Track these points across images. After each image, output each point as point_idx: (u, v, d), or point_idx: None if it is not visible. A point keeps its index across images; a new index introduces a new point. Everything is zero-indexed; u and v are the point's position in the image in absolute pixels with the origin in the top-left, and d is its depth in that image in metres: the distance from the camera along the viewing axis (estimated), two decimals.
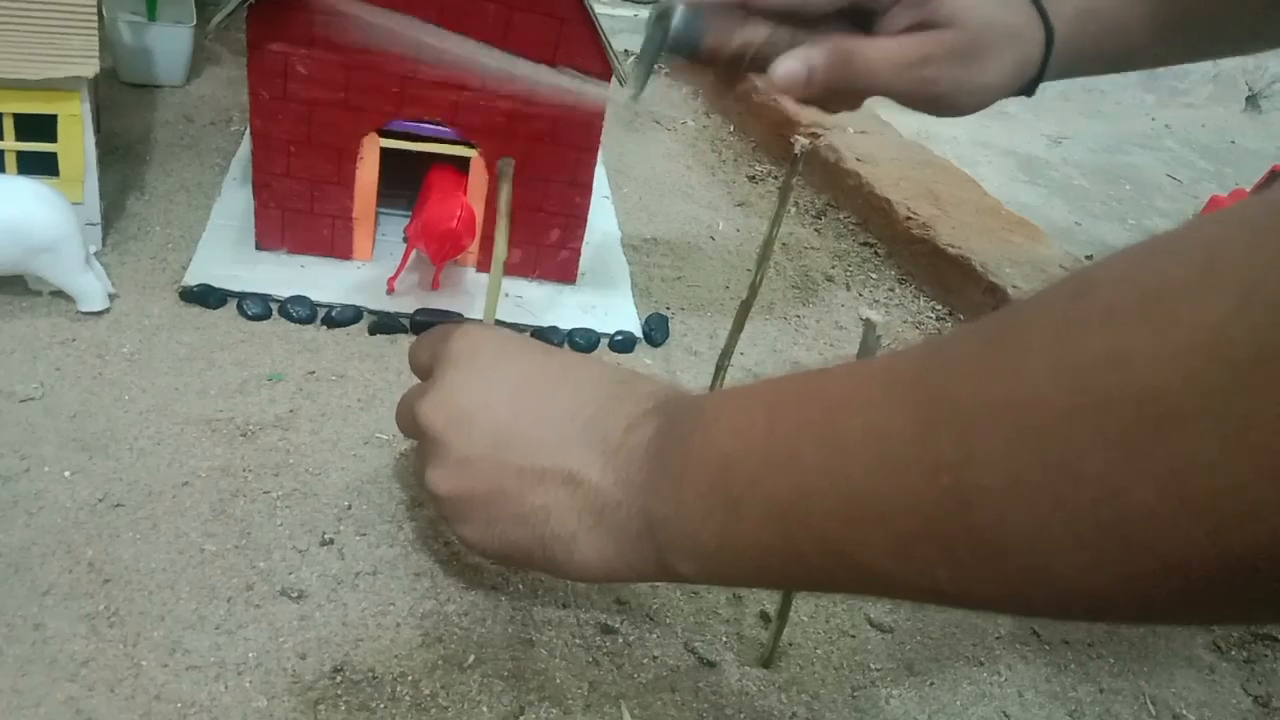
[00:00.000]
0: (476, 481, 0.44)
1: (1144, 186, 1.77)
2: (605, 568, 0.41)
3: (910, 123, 1.54)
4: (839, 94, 0.58)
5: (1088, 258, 1.23)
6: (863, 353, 0.50)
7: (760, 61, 0.56)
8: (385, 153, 0.84)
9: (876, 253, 1.13)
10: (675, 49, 0.54)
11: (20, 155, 0.78)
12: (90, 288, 0.75)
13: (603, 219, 1.05)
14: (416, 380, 0.54)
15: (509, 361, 0.46)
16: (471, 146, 0.85)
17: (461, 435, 0.44)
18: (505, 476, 0.43)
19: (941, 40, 0.56)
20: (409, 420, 0.50)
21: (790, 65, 0.55)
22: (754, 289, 0.66)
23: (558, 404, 0.43)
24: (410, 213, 0.90)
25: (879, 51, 0.55)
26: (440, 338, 0.50)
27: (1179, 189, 1.80)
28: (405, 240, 0.89)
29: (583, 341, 0.86)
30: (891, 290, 1.07)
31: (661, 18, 0.54)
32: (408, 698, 0.55)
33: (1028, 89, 0.61)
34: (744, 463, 0.34)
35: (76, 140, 0.78)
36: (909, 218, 1.11)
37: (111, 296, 0.78)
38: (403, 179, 0.90)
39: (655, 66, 0.56)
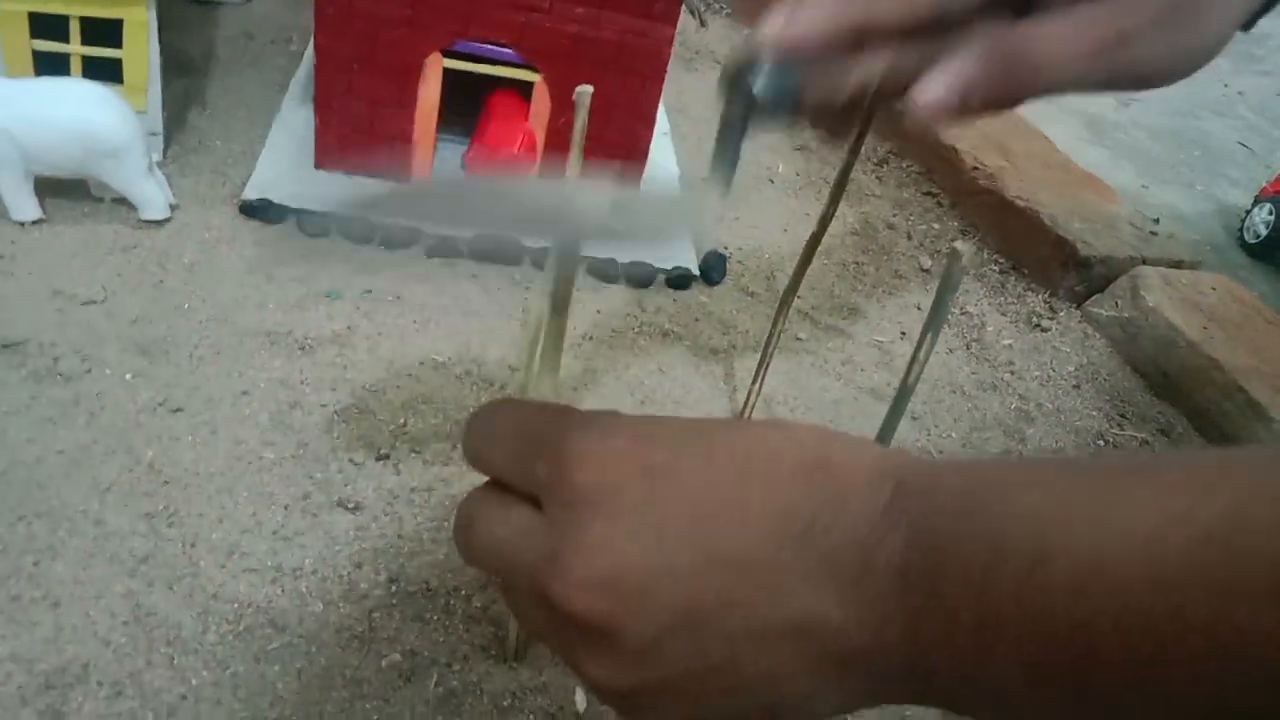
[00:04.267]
0: (669, 666, 0.32)
1: (1214, 153, 1.72)
2: (845, 713, 0.32)
3: None
4: (1004, 105, 0.41)
5: (1155, 221, 1.19)
6: (946, 284, 0.49)
7: (889, 93, 0.40)
8: (446, 75, 0.83)
9: (939, 203, 1.10)
10: (766, 116, 0.37)
11: (86, 61, 0.78)
12: (152, 196, 0.75)
13: (662, 155, 1.03)
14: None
15: (665, 486, 0.32)
16: (535, 71, 0.83)
17: (637, 617, 0.31)
18: (709, 650, 0.31)
19: (1142, 7, 0.39)
20: (526, 591, 0.33)
21: (938, 89, 0.38)
22: (825, 221, 0.64)
23: (752, 529, 0.31)
24: (469, 139, 0.88)
25: (1056, 41, 0.39)
26: (545, 452, 0.33)
27: (1250, 157, 1.74)
28: (463, 166, 0.88)
29: (639, 276, 0.85)
30: (954, 241, 1.05)
31: (738, 78, 0.37)
32: (460, 610, 0.55)
33: (1247, 25, 0.46)
34: (1091, 602, 0.26)
35: (141, 47, 0.78)
36: (975, 168, 1.08)
37: (172, 207, 0.78)
38: (461, 104, 0.88)
39: (743, 144, 0.38)
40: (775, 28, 0.37)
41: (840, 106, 0.41)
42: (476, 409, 0.35)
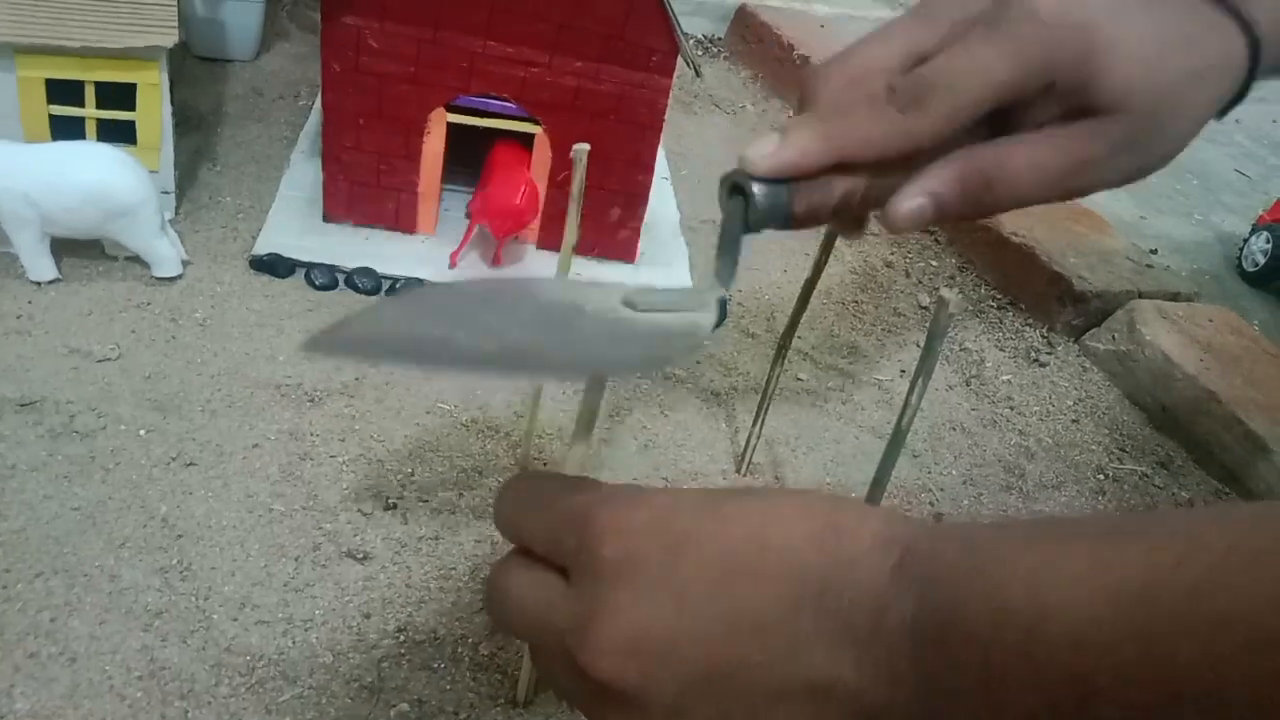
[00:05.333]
0: None
1: (1211, 181, 1.73)
2: None
3: None
4: (973, 217, 0.45)
5: (1152, 251, 1.21)
6: (934, 330, 0.50)
7: (872, 201, 0.44)
8: (450, 129, 0.85)
9: (937, 240, 1.12)
10: (761, 226, 0.42)
11: (100, 123, 0.80)
12: (165, 253, 0.77)
13: (662, 200, 1.05)
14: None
15: (686, 555, 0.34)
16: (536, 123, 0.85)
17: (661, 680, 0.33)
18: (730, 709, 0.33)
19: (1107, 134, 0.42)
20: (557, 657, 0.35)
21: (911, 204, 0.42)
22: (818, 267, 0.66)
23: (768, 594, 0.33)
24: (473, 189, 0.90)
25: (1026, 162, 0.42)
26: (573, 526, 0.35)
27: (1248, 185, 1.75)
28: (468, 216, 0.90)
29: None
30: (952, 278, 1.06)
31: (735, 192, 0.42)
32: (467, 658, 0.56)
33: (1219, 116, 0.48)
34: (1087, 653, 0.27)
35: (154, 109, 0.80)
36: None
37: (185, 263, 0.80)
38: (466, 156, 0.90)
39: (740, 251, 0.42)
40: (764, 154, 0.41)
41: (830, 213, 0.44)
42: (507, 481, 0.37)
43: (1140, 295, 0.99)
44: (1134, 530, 0.29)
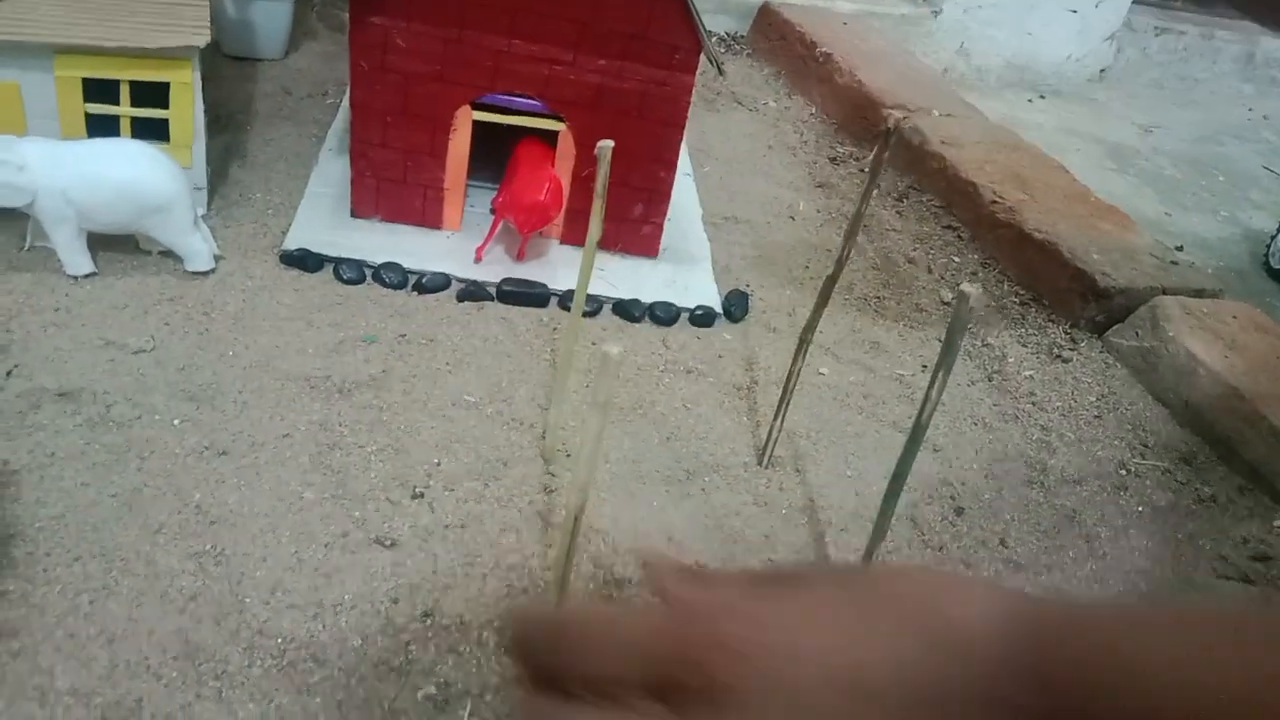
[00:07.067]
0: None
1: (1238, 178, 1.72)
2: None
3: (996, 108, 1.52)
4: None
5: (1178, 248, 1.20)
6: (955, 325, 0.51)
7: None
8: (475, 126, 0.86)
9: (959, 236, 1.12)
10: None
11: (135, 121, 0.82)
12: (198, 248, 0.79)
13: (684, 196, 1.06)
14: None
15: (797, 675, 0.33)
16: (560, 120, 0.86)
17: None
18: None
19: None
20: None
21: None
22: (840, 263, 0.66)
23: (883, 712, 0.32)
24: (498, 185, 0.92)
25: None
26: (665, 652, 0.33)
27: (1276, 182, 1.74)
28: (493, 212, 0.91)
29: (663, 314, 0.87)
30: (974, 274, 1.06)
31: None
32: (492, 643, 0.57)
33: None
34: None
35: (187, 107, 0.82)
36: (995, 201, 1.09)
37: (217, 258, 0.81)
38: (491, 152, 0.92)
39: None
40: None
41: None
42: (525, 625, 0.34)
43: (1164, 292, 0.99)
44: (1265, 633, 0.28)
